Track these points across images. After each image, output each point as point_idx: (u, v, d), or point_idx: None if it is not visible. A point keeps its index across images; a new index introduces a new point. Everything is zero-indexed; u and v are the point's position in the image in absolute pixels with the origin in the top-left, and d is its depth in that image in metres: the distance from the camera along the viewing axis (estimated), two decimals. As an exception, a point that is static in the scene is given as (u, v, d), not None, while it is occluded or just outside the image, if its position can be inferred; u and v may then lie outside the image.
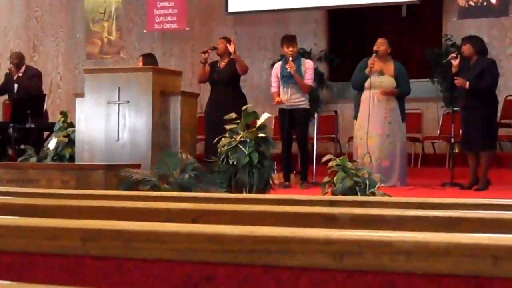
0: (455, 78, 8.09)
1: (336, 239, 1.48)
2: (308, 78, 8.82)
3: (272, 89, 9.05)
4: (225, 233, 1.54)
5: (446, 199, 2.73)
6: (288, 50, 8.73)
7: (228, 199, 2.74)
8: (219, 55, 8.95)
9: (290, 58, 8.67)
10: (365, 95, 8.62)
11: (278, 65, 9.08)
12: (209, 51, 8.84)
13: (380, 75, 8.61)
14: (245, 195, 3.29)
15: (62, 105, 13.19)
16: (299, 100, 8.75)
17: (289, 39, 8.86)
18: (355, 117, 8.79)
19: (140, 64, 8.98)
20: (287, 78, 8.73)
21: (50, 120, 10.95)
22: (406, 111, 10.83)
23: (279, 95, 8.82)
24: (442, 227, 2.12)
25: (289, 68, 8.64)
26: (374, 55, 8.57)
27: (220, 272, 1.54)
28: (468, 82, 7.93)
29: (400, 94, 8.63)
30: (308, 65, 8.92)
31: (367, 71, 8.55)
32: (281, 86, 8.82)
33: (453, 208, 2.66)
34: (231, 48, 8.69)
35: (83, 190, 3.31)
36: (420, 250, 1.45)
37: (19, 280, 1.65)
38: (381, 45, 8.67)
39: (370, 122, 8.49)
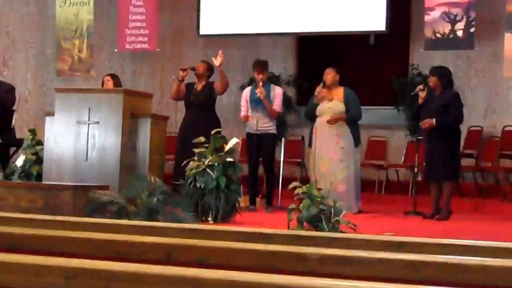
0: (420, 110, 8.28)
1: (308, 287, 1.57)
2: (277, 105, 8.94)
3: (241, 113, 9.14)
4: (204, 277, 1.62)
5: (411, 238, 2.84)
6: (258, 76, 8.85)
7: (200, 231, 2.81)
8: (197, 75, 8.97)
9: (260, 84, 8.78)
10: (317, 122, 8.81)
11: (248, 89, 9.18)
12: (189, 70, 8.88)
13: (330, 102, 8.78)
14: (215, 227, 3.36)
15: (30, 120, 13.16)
16: (267, 126, 8.87)
17: (260, 65, 8.97)
18: (309, 145, 8.96)
19: (109, 83, 8.96)
20: (256, 103, 8.85)
21: (17, 135, 10.93)
22: (371, 138, 11.04)
23: (247, 117, 8.92)
24: (408, 270, 2.22)
25: (258, 94, 8.74)
26: (321, 85, 8.76)
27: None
28: (434, 121, 8.10)
29: (349, 119, 8.70)
30: (277, 91, 9.05)
31: (315, 100, 8.77)
32: (250, 111, 8.92)
33: (419, 248, 2.75)
34: (217, 62, 8.70)
35: (59, 217, 3.37)
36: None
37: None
38: (327, 74, 8.86)
39: (322, 147, 8.65)
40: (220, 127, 8.58)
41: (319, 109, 8.77)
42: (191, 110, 8.95)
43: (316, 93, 8.76)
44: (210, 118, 8.79)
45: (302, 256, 2.27)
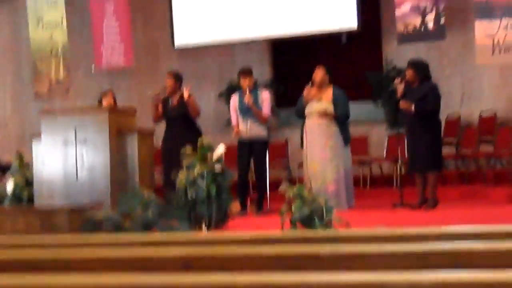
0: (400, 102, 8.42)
1: (333, 283, 1.69)
2: (266, 108, 9.03)
3: (232, 122, 9.23)
4: (224, 282, 1.73)
5: (412, 230, 2.96)
6: (244, 83, 8.95)
7: (213, 242, 2.91)
8: (169, 94, 9.07)
9: (247, 91, 8.89)
10: (307, 123, 8.91)
11: (235, 98, 9.24)
12: (160, 95, 8.99)
13: (319, 102, 8.87)
14: (221, 236, 3.48)
15: (11, 145, 13.17)
16: (258, 132, 8.97)
17: (245, 72, 9.08)
18: (302, 145, 9.06)
19: (109, 99, 9.10)
20: (245, 111, 8.96)
21: (1, 161, 10.98)
22: (352, 135, 11.13)
23: (238, 128, 9.02)
24: (416, 261, 2.35)
25: (246, 101, 8.87)
26: (309, 84, 8.86)
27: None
28: (413, 105, 8.25)
29: (337, 117, 8.80)
30: (264, 96, 9.14)
31: (304, 100, 8.86)
32: (240, 119, 9.02)
33: (422, 240, 2.86)
34: (185, 94, 8.83)
35: (74, 236, 3.46)
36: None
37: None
38: (316, 74, 8.95)
39: (312, 148, 8.78)
40: (201, 135, 8.72)
41: (308, 109, 8.86)
42: (170, 123, 9.06)
43: (304, 93, 8.84)
44: (190, 129, 8.90)
45: (316, 256, 2.38)
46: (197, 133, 8.78)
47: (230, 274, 2.17)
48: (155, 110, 9.06)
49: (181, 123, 8.91)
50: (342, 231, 3.49)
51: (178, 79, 9.14)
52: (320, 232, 3.37)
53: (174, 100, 9.04)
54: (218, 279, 2.01)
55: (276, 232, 3.29)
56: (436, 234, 2.83)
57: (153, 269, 2.56)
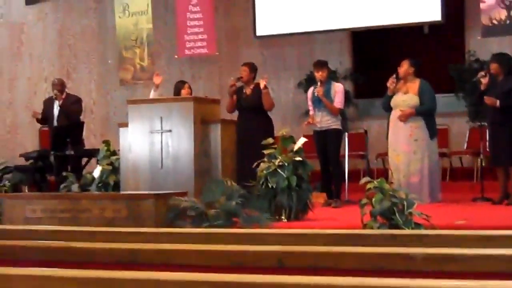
0: (484, 96, 8.33)
1: (433, 287, 1.77)
2: (338, 101, 9.08)
3: (310, 112, 9.33)
4: (338, 283, 1.83)
5: (499, 232, 3.00)
6: (318, 75, 9.04)
7: (309, 236, 3.00)
8: (245, 83, 9.19)
9: (319, 83, 8.97)
10: (392, 114, 8.91)
11: (311, 89, 9.34)
12: (236, 84, 9.10)
13: (405, 94, 8.85)
14: (313, 231, 3.57)
15: (96, 130, 13.58)
16: (330, 122, 9.03)
17: (319, 64, 9.14)
18: (387, 137, 9.05)
19: (184, 92, 9.24)
20: (317, 102, 9.04)
21: (86, 145, 11.31)
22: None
23: (312, 118, 9.10)
24: (507, 264, 2.40)
25: (316, 93, 8.96)
26: (393, 76, 8.85)
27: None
28: (498, 101, 8.17)
29: (419, 113, 8.73)
30: (338, 88, 9.18)
31: (388, 92, 8.86)
32: (314, 110, 9.11)
33: (508, 241, 2.90)
34: (262, 84, 8.93)
35: (176, 229, 3.60)
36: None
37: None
38: (401, 67, 8.92)
39: (396, 140, 8.79)
40: (272, 127, 8.83)
41: (393, 102, 8.86)
42: (243, 114, 9.14)
43: (388, 84, 8.85)
44: (263, 119, 9.01)
45: (407, 256, 2.45)
46: (270, 124, 8.90)
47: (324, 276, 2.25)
48: (231, 100, 9.18)
49: (254, 114, 9.00)
50: (422, 231, 3.53)
51: (253, 69, 9.26)
52: (403, 231, 3.43)
53: (248, 90, 9.15)
54: (311, 280, 2.10)
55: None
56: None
57: (247, 265, 2.68)
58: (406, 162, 8.69)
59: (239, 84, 9.12)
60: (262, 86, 8.93)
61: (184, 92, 9.21)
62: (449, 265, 2.41)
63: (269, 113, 9.12)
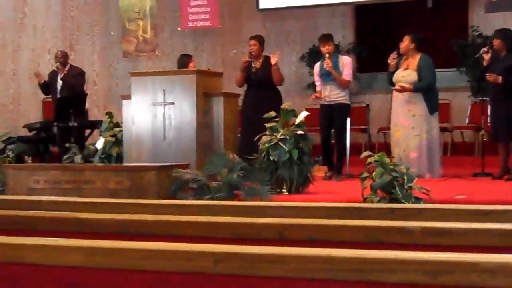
0: (486, 72, 8.35)
1: (430, 260, 1.83)
2: (347, 74, 9.08)
3: (317, 87, 9.34)
4: (336, 255, 1.89)
5: (498, 206, 3.05)
6: (324, 49, 9.03)
7: (310, 209, 3.05)
8: (255, 57, 9.21)
9: (327, 56, 8.96)
10: (394, 90, 8.95)
11: (317, 64, 9.32)
12: (250, 59, 9.12)
13: (405, 70, 8.88)
14: (313, 204, 3.62)
15: (99, 102, 13.61)
16: (339, 96, 9.04)
17: (325, 38, 9.14)
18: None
19: (191, 65, 9.27)
20: (326, 76, 9.04)
21: (89, 117, 11.35)
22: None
23: (320, 93, 9.10)
24: (504, 238, 2.46)
25: (325, 66, 8.94)
26: (395, 52, 8.87)
27: None
28: (500, 78, 8.19)
29: (416, 89, 8.73)
30: (345, 61, 9.19)
31: (390, 68, 8.89)
32: (322, 84, 9.11)
33: (506, 215, 2.96)
34: (273, 61, 8.96)
35: (178, 201, 3.66)
36: (503, 269, 1.79)
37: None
38: (403, 42, 8.93)
39: (397, 115, 8.85)
40: (281, 101, 8.84)
41: (394, 78, 8.89)
42: (252, 87, 9.18)
43: (389, 61, 8.87)
44: (272, 93, 9.05)
45: (405, 230, 2.51)
46: (279, 98, 8.93)
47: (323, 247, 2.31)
48: (242, 75, 9.20)
49: (264, 87, 9.04)
50: (422, 205, 3.59)
51: (262, 42, 9.29)
52: (403, 205, 3.49)
53: (257, 64, 9.17)
54: (311, 251, 2.15)
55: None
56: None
57: (248, 237, 2.73)
58: (405, 137, 8.75)
59: (252, 60, 9.14)
60: (273, 62, 8.96)
61: (191, 65, 9.23)
62: (446, 239, 2.47)
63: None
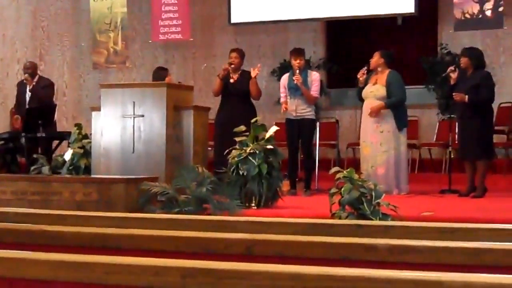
0: (453, 90, 8.44)
1: (396, 278, 1.84)
2: (314, 90, 9.11)
3: (281, 99, 9.36)
4: (304, 272, 1.89)
5: (467, 224, 3.08)
6: (295, 62, 9.04)
7: (278, 224, 3.06)
8: (235, 70, 9.22)
9: (297, 71, 8.98)
10: (364, 105, 9.00)
11: (285, 76, 9.32)
12: (229, 68, 9.13)
13: (373, 85, 8.94)
14: (282, 219, 3.63)
15: (68, 113, 13.53)
16: (305, 111, 9.05)
17: (297, 52, 9.16)
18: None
19: (171, 78, 9.26)
20: (294, 90, 9.04)
21: (58, 128, 11.26)
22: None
23: (286, 104, 9.12)
24: (469, 256, 2.48)
25: (295, 80, 8.96)
26: (364, 67, 8.94)
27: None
28: (467, 97, 8.27)
29: (388, 106, 8.79)
30: (314, 77, 9.22)
31: (359, 83, 8.96)
32: (289, 97, 9.12)
33: (471, 233, 2.99)
34: (253, 74, 8.99)
35: (146, 214, 3.64)
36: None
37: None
38: (372, 58, 9.01)
39: (366, 131, 8.90)
40: (256, 115, 8.83)
41: (363, 93, 8.94)
42: (228, 99, 9.18)
43: (358, 76, 8.94)
44: (247, 107, 9.07)
45: (372, 247, 2.52)
46: (253, 111, 8.94)
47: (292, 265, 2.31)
48: (219, 85, 9.17)
49: (239, 100, 9.07)
50: (389, 222, 3.61)
51: (243, 56, 9.33)
52: (370, 222, 3.51)
53: (234, 76, 9.19)
54: (279, 268, 2.15)
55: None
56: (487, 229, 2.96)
57: (216, 252, 2.73)
58: (373, 153, 8.79)
59: (230, 69, 9.15)
60: (254, 74, 8.98)
61: (167, 79, 9.18)
62: (412, 256, 2.49)
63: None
